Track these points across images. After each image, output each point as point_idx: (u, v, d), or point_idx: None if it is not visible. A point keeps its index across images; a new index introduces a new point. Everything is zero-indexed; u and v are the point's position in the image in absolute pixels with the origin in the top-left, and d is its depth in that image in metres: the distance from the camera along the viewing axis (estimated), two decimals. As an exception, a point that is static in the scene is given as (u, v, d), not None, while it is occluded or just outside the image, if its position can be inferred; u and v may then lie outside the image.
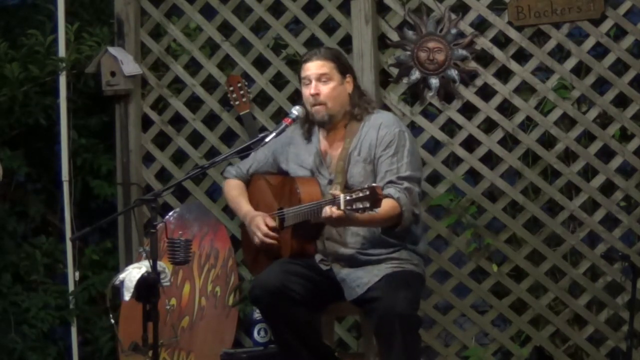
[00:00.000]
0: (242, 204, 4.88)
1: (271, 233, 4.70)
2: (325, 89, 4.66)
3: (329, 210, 4.31)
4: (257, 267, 4.81)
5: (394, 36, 5.62)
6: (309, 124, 4.77)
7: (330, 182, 4.62)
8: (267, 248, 4.73)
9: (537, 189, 5.48)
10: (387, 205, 4.42)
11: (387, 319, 4.35)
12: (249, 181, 4.95)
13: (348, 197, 4.20)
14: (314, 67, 4.67)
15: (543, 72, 5.54)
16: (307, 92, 4.68)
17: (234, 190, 4.95)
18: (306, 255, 4.67)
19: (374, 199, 4.17)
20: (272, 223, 4.72)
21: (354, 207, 4.19)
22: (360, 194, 4.18)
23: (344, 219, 4.31)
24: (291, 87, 5.71)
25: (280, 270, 4.56)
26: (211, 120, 5.89)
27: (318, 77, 4.66)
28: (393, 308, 4.34)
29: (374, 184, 4.26)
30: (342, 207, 4.22)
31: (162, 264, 4.52)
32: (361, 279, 4.55)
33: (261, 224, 4.73)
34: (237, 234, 5.51)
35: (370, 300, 4.46)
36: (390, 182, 4.52)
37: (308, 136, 4.77)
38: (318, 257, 4.70)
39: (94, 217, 5.97)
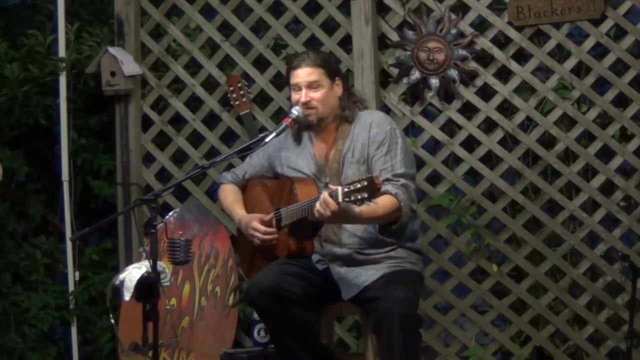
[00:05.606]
0: (237, 209, 4.87)
1: (270, 230, 4.70)
2: (316, 95, 4.66)
3: (319, 206, 4.27)
4: (254, 272, 4.79)
5: (394, 36, 5.62)
6: (298, 126, 4.76)
7: (326, 185, 4.60)
8: (267, 248, 4.73)
9: (537, 189, 5.48)
10: (386, 202, 4.44)
11: (386, 319, 4.34)
12: (244, 186, 4.95)
13: (346, 189, 4.19)
14: (303, 75, 4.66)
15: (543, 72, 5.54)
16: (297, 97, 4.68)
17: (229, 195, 4.93)
18: (303, 255, 4.66)
19: (372, 188, 4.15)
20: (266, 218, 4.72)
21: (352, 198, 4.17)
22: (358, 185, 4.17)
23: (340, 212, 4.29)
24: (291, 87, 5.71)
25: (276, 271, 4.55)
26: (211, 120, 5.89)
27: (308, 85, 4.65)
28: (393, 307, 4.33)
29: (371, 175, 4.26)
30: (340, 199, 4.20)
31: (162, 264, 4.52)
32: (358, 278, 4.55)
33: (257, 225, 4.72)
34: (237, 234, 5.52)
35: (370, 300, 4.46)
36: (387, 180, 4.52)
37: (298, 139, 4.77)
38: (315, 257, 4.69)
39: (94, 217, 5.96)
